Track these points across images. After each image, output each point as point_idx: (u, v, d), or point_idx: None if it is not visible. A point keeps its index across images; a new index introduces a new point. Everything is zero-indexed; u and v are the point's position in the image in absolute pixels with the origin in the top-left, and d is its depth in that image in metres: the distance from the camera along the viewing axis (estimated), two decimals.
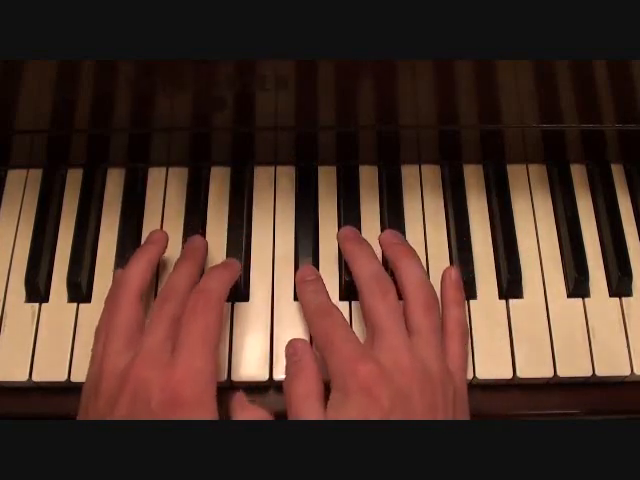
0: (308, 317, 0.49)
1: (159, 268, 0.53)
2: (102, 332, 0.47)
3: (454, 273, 0.52)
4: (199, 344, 0.44)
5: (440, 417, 0.44)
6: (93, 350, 0.48)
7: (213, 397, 0.43)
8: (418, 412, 0.43)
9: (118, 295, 0.48)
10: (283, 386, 0.46)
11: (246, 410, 0.44)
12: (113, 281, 0.52)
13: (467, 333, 0.50)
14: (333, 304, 0.49)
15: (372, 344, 0.46)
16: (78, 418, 0.45)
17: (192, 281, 0.49)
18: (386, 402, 0.42)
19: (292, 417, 0.44)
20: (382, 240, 0.52)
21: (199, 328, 0.44)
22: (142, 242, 0.54)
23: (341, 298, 0.53)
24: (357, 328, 0.51)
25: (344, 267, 0.53)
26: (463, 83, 0.50)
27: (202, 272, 0.51)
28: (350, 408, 0.43)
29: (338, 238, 0.53)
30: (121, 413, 0.42)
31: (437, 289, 0.52)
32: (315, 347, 0.48)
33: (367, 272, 0.49)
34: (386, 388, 0.43)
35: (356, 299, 0.50)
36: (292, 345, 0.48)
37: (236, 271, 0.50)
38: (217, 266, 0.50)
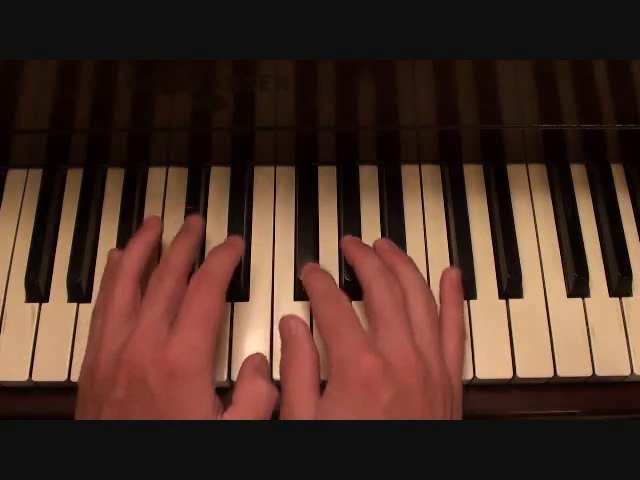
0: (314, 302, 0.48)
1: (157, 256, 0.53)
2: (99, 314, 0.47)
3: (454, 274, 0.52)
4: (199, 322, 0.43)
5: (439, 415, 0.44)
6: (90, 333, 0.47)
7: (210, 373, 0.43)
8: (417, 412, 0.43)
9: (114, 278, 0.47)
10: (279, 368, 0.46)
11: (254, 379, 0.45)
12: (108, 260, 0.51)
13: (464, 334, 0.50)
14: (340, 290, 0.48)
15: (376, 336, 0.45)
16: (77, 402, 0.45)
17: (189, 258, 0.48)
18: (385, 399, 0.42)
19: (284, 403, 0.44)
20: (378, 247, 0.52)
21: (201, 306, 0.44)
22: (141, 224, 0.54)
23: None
24: None
25: (344, 267, 0.53)
26: (463, 83, 0.50)
27: (199, 250, 0.51)
28: (347, 400, 0.42)
29: (341, 244, 0.53)
30: (119, 393, 0.42)
31: (436, 288, 0.52)
32: (319, 333, 0.46)
33: (374, 266, 0.49)
34: (387, 384, 0.42)
35: (356, 299, 0.50)
36: (286, 322, 0.47)
37: (239, 250, 0.50)
38: (220, 246, 0.50)
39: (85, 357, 0.46)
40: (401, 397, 0.42)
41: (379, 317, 0.46)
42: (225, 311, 0.50)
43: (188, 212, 0.55)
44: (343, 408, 0.42)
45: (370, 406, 0.42)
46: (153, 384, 0.41)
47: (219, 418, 0.42)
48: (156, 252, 0.53)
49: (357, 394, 0.42)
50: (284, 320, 0.48)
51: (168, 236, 0.53)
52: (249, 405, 0.44)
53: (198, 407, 0.42)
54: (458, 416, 0.47)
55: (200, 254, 0.53)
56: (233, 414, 0.43)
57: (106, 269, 0.51)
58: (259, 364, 0.47)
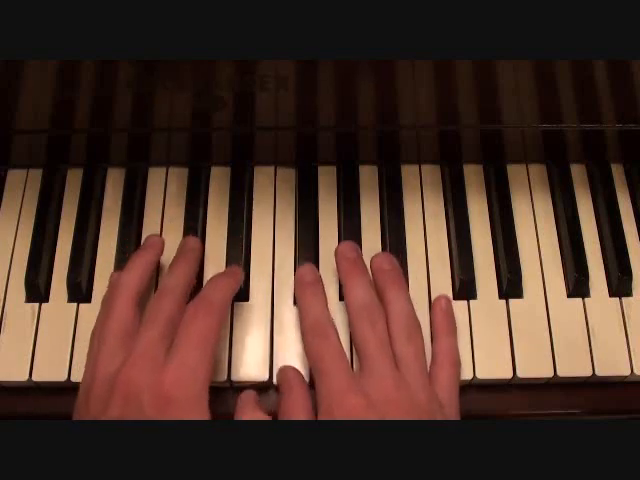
0: (303, 332, 0.49)
1: (157, 273, 0.53)
2: (97, 335, 0.47)
3: (444, 302, 0.52)
4: (195, 347, 0.43)
5: None
6: (88, 353, 0.47)
7: (205, 399, 0.43)
8: None
9: (114, 298, 0.47)
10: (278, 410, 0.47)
11: (254, 414, 0.45)
12: (109, 285, 0.51)
13: (458, 363, 0.50)
14: (329, 319, 0.48)
15: (361, 371, 0.46)
16: (73, 415, 0.45)
17: (187, 281, 0.49)
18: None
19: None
20: (373, 265, 0.51)
21: (198, 331, 0.44)
22: (141, 243, 0.54)
23: (341, 298, 0.53)
24: None
25: None
26: (463, 83, 0.50)
27: (197, 273, 0.51)
28: None
29: (336, 253, 0.52)
30: (113, 413, 0.42)
31: (436, 292, 0.53)
32: (308, 362, 0.48)
33: (359, 301, 0.48)
34: (370, 415, 0.43)
35: None
36: (284, 373, 0.49)
37: (239, 280, 0.50)
38: (220, 275, 0.50)
39: (83, 377, 0.46)
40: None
41: (363, 353, 0.46)
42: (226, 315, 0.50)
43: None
44: None
45: None
46: (148, 409, 0.41)
47: None
48: (156, 270, 0.53)
49: None
50: (282, 370, 0.49)
51: (168, 238, 0.53)
52: None
53: None
54: None
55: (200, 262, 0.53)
56: None
57: (106, 293, 0.50)
58: (256, 400, 0.47)
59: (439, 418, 0.45)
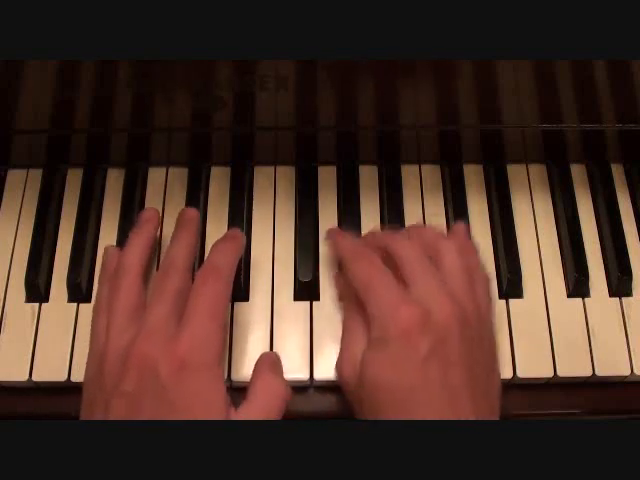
0: (346, 263, 0.49)
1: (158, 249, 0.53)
2: (101, 313, 0.47)
3: (462, 226, 0.52)
4: (207, 316, 0.43)
5: (476, 357, 0.45)
6: (92, 332, 0.47)
7: (220, 366, 0.43)
8: (455, 360, 0.44)
9: (119, 278, 0.47)
10: None
11: (270, 376, 0.45)
12: (105, 259, 0.51)
13: (489, 279, 0.50)
14: (370, 249, 0.49)
15: (410, 291, 0.46)
16: (83, 397, 0.45)
17: (191, 252, 0.49)
18: (424, 348, 0.43)
19: (341, 345, 0.48)
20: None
21: (208, 300, 0.44)
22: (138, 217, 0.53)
23: (341, 298, 0.53)
24: None
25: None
26: (463, 83, 0.50)
27: (199, 242, 0.51)
28: (390, 352, 0.43)
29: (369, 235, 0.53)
30: (128, 386, 0.41)
31: None
32: (356, 292, 0.47)
33: (393, 234, 0.50)
34: (426, 334, 0.43)
35: None
36: (358, 275, 0.48)
37: (241, 243, 0.50)
38: (222, 239, 0.49)
39: (89, 356, 0.46)
40: (439, 344, 0.43)
41: (409, 273, 0.47)
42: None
43: None
44: (383, 360, 0.44)
45: (410, 357, 0.43)
46: (164, 375, 0.41)
47: (232, 411, 0.42)
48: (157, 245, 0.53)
49: (397, 345, 0.43)
50: (355, 271, 0.49)
51: (169, 234, 0.53)
52: (263, 403, 0.44)
53: (210, 397, 0.42)
54: (495, 362, 0.48)
55: (200, 251, 0.53)
56: (246, 410, 0.43)
57: (103, 264, 0.51)
58: (275, 361, 0.47)
59: (486, 336, 0.46)
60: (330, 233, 0.53)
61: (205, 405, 0.42)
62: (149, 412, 0.41)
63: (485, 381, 0.45)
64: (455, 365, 0.43)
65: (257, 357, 0.50)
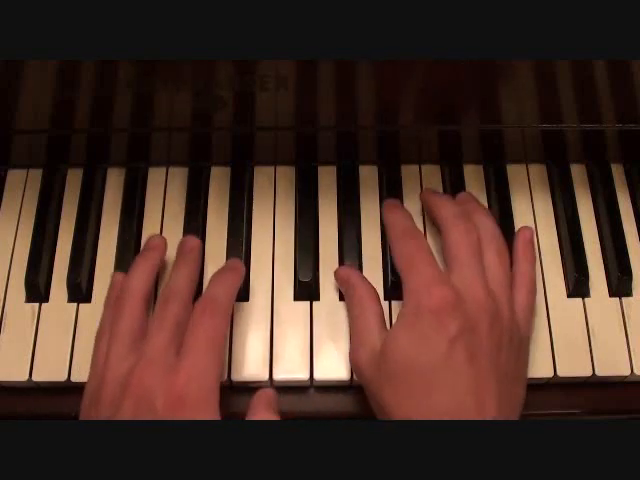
0: (393, 238, 0.51)
1: (160, 272, 0.53)
2: (104, 338, 0.47)
3: (528, 233, 0.53)
4: (205, 348, 0.43)
5: (503, 358, 0.45)
6: (93, 356, 0.47)
7: (216, 400, 0.43)
8: (482, 348, 0.44)
9: (122, 302, 0.47)
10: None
11: (267, 416, 0.44)
12: (111, 285, 0.51)
13: (535, 291, 0.51)
14: (416, 227, 0.51)
15: (450, 274, 0.48)
16: (80, 414, 0.45)
17: (192, 282, 0.49)
18: (453, 329, 0.44)
19: (354, 332, 0.48)
20: (457, 197, 0.55)
21: (206, 333, 0.44)
22: (142, 246, 0.54)
23: (341, 298, 0.53)
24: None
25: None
26: (462, 83, 0.50)
27: (199, 271, 0.51)
28: (416, 327, 0.44)
29: (420, 196, 0.56)
30: (125, 416, 0.42)
31: None
32: (396, 268, 0.49)
33: (454, 210, 0.51)
34: (456, 316, 0.44)
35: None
36: (340, 274, 0.52)
37: (241, 274, 0.50)
38: (222, 270, 0.49)
39: (88, 380, 0.46)
40: (468, 331, 0.44)
41: (454, 256, 0.48)
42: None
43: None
44: (410, 334, 0.44)
45: (437, 335, 0.44)
46: (160, 408, 0.41)
47: None
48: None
49: (426, 322, 0.44)
50: (336, 272, 0.52)
51: (168, 238, 0.53)
52: None
53: None
54: (524, 368, 0.48)
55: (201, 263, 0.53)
56: None
57: (109, 292, 0.51)
58: (272, 400, 0.46)
59: (516, 337, 0.47)
60: (386, 205, 0.54)
61: None
62: None
63: (510, 384, 0.45)
64: (481, 356, 0.44)
65: (257, 357, 0.50)
